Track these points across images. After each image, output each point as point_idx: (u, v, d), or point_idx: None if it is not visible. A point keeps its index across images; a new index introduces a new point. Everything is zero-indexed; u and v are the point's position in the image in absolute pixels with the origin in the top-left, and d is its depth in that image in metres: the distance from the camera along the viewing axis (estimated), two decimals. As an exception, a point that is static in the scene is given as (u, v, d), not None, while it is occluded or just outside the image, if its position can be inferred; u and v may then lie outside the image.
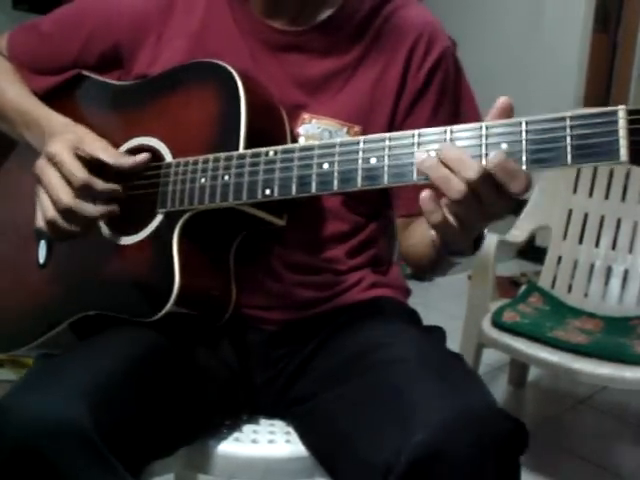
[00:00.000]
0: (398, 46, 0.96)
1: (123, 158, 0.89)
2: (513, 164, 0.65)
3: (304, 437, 0.92)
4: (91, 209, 0.87)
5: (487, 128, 0.67)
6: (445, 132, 0.69)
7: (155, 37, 0.97)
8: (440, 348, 0.88)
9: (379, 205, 1.03)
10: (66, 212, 0.86)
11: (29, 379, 0.80)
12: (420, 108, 0.96)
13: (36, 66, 1.04)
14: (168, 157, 0.89)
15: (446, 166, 0.67)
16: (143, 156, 0.89)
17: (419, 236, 0.92)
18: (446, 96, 0.97)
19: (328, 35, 0.96)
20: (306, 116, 0.94)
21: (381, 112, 0.95)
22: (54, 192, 0.86)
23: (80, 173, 0.86)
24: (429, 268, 0.95)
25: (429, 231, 0.78)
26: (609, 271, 2.02)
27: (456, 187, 0.67)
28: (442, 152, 0.68)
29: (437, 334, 0.94)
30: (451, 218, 0.69)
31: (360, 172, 0.73)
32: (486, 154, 0.67)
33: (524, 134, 0.65)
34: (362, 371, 0.83)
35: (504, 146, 0.66)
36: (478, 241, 0.81)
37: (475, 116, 0.99)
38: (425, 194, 0.69)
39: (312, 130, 0.94)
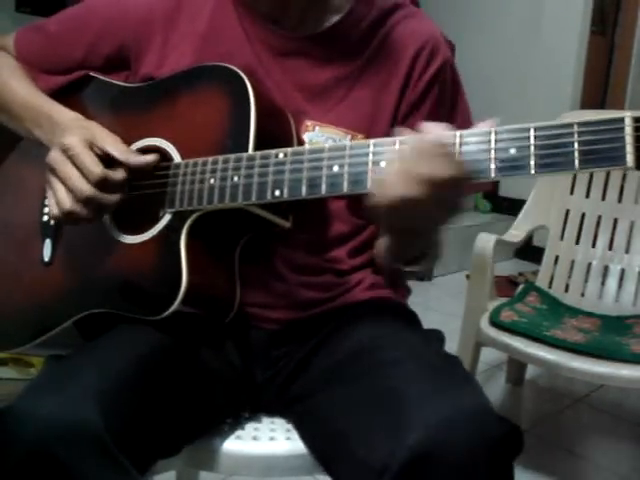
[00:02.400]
0: (401, 56, 0.96)
1: (132, 156, 0.90)
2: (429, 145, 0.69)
3: (302, 435, 0.93)
4: (112, 197, 0.89)
5: (496, 134, 0.69)
6: (455, 136, 0.71)
7: (161, 40, 0.97)
8: (436, 350, 0.88)
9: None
10: (87, 201, 0.87)
11: (39, 382, 0.80)
12: (414, 117, 0.96)
13: (43, 66, 1.04)
14: (177, 158, 0.90)
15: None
16: (151, 157, 0.90)
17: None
18: (442, 105, 0.98)
19: (332, 42, 0.96)
20: (309, 123, 0.95)
21: (383, 121, 0.96)
22: (73, 183, 0.87)
23: (96, 168, 0.87)
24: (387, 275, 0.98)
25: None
26: (606, 271, 2.03)
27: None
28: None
29: (434, 336, 0.94)
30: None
31: (369, 174, 0.74)
32: (495, 158, 0.68)
33: (532, 139, 0.67)
34: (358, 373, 0.84)
35: (512, 151, 0.67)
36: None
37: (467, 126, 1.00)
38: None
39: (316, 138, 0.94)
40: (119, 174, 0.89)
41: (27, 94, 1.01)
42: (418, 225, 0.73)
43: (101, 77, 1.02)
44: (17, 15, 2.74)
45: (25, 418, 0.72)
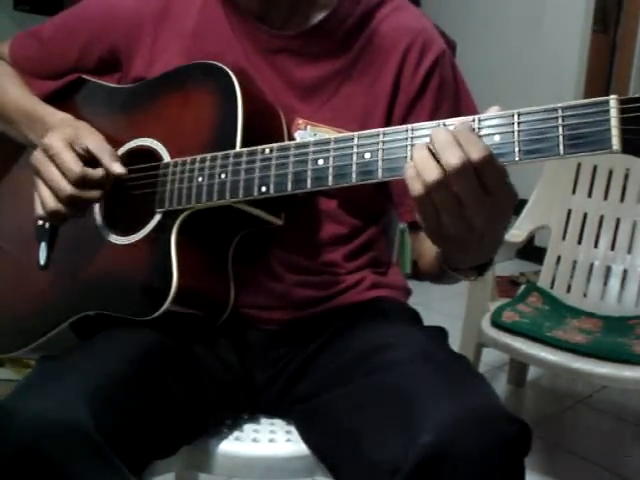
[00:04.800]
0: (390, 51, 0.95)
1: (107, 155, 0.89)
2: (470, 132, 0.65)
3: (306, 436, 0.92)
4: (94, 194, 0.89)
5: (480, 121, 0.68)
6: (438, 126, 0.70)
7: (150, 41, 0.98)
8: (444, 349, 0.88)
9: (378, 208, 1.03)
10: (69, 200, 0.87)
11: (31, 381, 0.80)
12: (417, 115, 0.95)
13: (37, 71, 1.05)
14: (166, 157, 0.90)
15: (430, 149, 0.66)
16: (120, 170, 0.88)
17: (428, 246, 0.91)
18: (444, 101, 0.96)
19: (319, 39, 0.96)
20: (300, 122, 0.94)
21: (375, 118, 0.95)
22: (54, 183, 0.87)
23: (75, 166, 0.87)
24: (435, 278, 0.95)
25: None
26: (608, 271, 2.02)
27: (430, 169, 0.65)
28: (432, 135, 0.67)
29: (440, 334, 0.94)
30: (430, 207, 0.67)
31: (354, 167, 0.74)
32: None
33: (516, 126, 0.66)
34: (367, 372, 0.83)
35: (497, 138, 0.67)
36: (483, 267, 0.82)
37: None
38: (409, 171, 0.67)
39: (308, 137, 0.94)
40: (99, 172, 0.88)
41: (21, 98, 1.02)
42: (468, 225, 0.67)
43: (93, 79, 1.03)
44: (15, 13, 2.73)
45: (13, 416, 0.72)
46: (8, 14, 2.72)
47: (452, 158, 0.64)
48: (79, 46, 1.02)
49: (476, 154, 0.64)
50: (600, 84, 3.71)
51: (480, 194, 0.66)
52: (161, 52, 0.98)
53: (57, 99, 1.03)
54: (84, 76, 1.03)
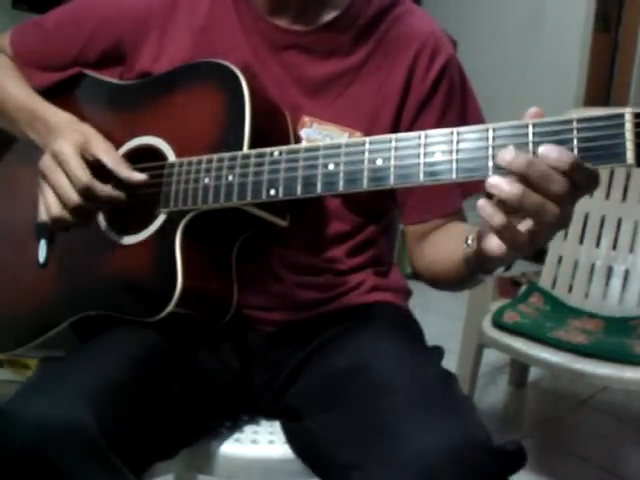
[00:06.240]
0: (401, 54, 0.95)
1: (123, 167, 0.89)
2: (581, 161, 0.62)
3: (295, 450, 0.91)
4: (97, 204, 0.88)
5: (494, 130, 0.67)
6: (452, 134, 0.69)
7: (158, 33, 0.97)
8: (434, 372, 0.84)
9: (380, 207, 1.02)
10: (74, 209, 0.87)
11: (33, 383, 0.80)
12: (425, 118, 0.95)
13: (38, 62, 1.03)
14: (171, 157, 0.89)
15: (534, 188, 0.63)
16: (142, 176, 0.88)
17: (448, 250, 0.87)
18: (451, 105, 0.96)
19: (331, 37, 0.95)
20: (307, 119, 0.94)
21: (383, 119, 0.95)
22: (62, 190, 0.87)
23: (82, 176, 0.86)
24: (453, 283, 0.91)
25: (464, 247, 0.77)
26: (610, 271, 2.01)
27: (551, 211, 0.63)
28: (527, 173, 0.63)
29: (433, 356, 0.90)
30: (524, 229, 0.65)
31: (366, 173, 0.73)
32: (493, 156, 0.66)
33: (531, 136, 0.65)
34: (350, 398, 0.81)
35: (511, 148, 0.65)
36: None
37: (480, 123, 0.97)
38: (483, 202, 0.65)
39: (314, 135, 0.93)
40: (105, 190, 0.88)
41: (21, 95, 1.01)
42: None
43: (94, 75, 1.01)
44: (14, 12, 2.74)
45: (15, 419, 0.72)
46: (7, 13, 2.72)
47: (556, 186, 0.63)
48: (82, 38, 1.00)
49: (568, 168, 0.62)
50: (601, 83, 3.71)
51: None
52: (168, 45, 0.97)
53: (58, 94, 1.01)
54: (85, 71, 1.02)
